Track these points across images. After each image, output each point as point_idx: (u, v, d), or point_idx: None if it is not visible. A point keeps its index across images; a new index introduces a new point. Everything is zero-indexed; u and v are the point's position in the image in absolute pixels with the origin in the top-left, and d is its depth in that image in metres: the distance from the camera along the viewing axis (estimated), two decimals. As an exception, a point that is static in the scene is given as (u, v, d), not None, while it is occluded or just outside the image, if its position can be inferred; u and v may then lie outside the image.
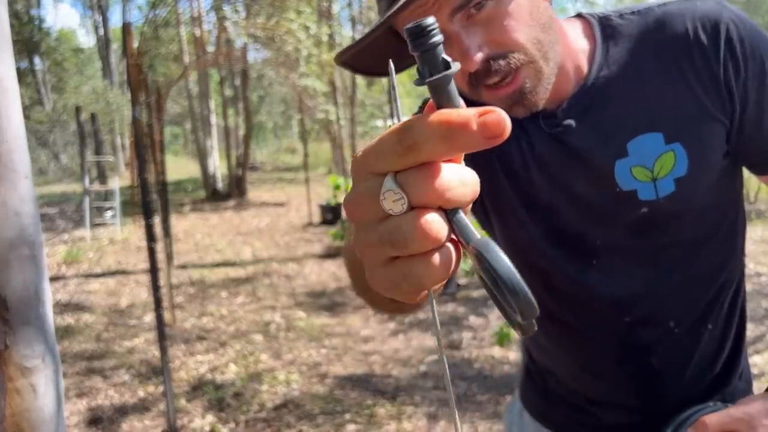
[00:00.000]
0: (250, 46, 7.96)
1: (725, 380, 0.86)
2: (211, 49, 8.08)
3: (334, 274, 5.82)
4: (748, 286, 4.63)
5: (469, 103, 0.73)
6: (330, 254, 6.71)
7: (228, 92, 16.38)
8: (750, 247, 5.94)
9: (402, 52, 0.61)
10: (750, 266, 5.23)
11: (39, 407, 1.75)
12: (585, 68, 0.75)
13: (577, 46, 0.75)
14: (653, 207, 0.75)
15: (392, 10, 0.59)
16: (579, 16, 0.79)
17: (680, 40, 0.71)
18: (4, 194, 1.63)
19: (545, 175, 0.80)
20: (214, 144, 13.19)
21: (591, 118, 0.75)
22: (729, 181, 0.79)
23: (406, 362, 3.54)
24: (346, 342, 3.93)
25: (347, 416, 2.90)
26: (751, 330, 3.77)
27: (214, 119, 13.32)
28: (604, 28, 0.76)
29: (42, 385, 1.75)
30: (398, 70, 0.74)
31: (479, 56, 0.64)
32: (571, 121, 0.76)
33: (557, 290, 0.85)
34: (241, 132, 13.34)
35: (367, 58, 0.69)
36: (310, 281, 5.57)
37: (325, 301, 4.90)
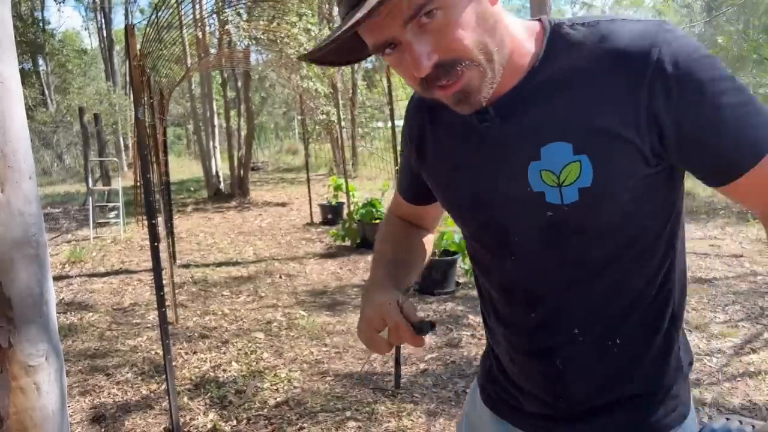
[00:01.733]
0: (252, 48, 7.99)
1: (640, 390, 0.87)
2: (213, 51, 8.13)
3: (335, 273, 5.85)
4: (744, 285, 4.65)
5: (422, 102, 0.93)
6: (331, 254, 6.74)
7: (230, 94, 16.42)
8: (746, 246, 5.95)
9: (360, 46, 0.75)
10: (746, 265, 5.24)
11: (42, 405, 1.78)
12: (524, 71, 0.78)
13: (523, 49, 0.78)
14: (559, 213, 0.78)
15: (352, 22, 0.66)
16: (539, 20, 0.82)
17: (612, 58, 0.73)
18: (9, 194, 1.66)
19: (473, 168, 0.86)
20: (217, 145, 13.23)
21: (515, 119, 0.80)
22: (649, 206, 0.79)
23: (405, 360, 3.56)
24: (347, 340, 3.96)
25: (348, 413, 2.92)
26: (747, 329, 3.78)
27: (216, 120, 13.36)
28: (553, 35, 0.78)
29: (45, 383, 1.78)
30: (356, 61, 0.83)
31: (428, 64, 0.70)
32: (497, 119, 0.81)
33: (490, 275, 0.93)
34: (243, 133, 13.37)
35: (331, 53, 0.76)
36: (312, 280, 5.60)
37: (326, 300, 4.93)
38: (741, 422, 0.93)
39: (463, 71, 0.71)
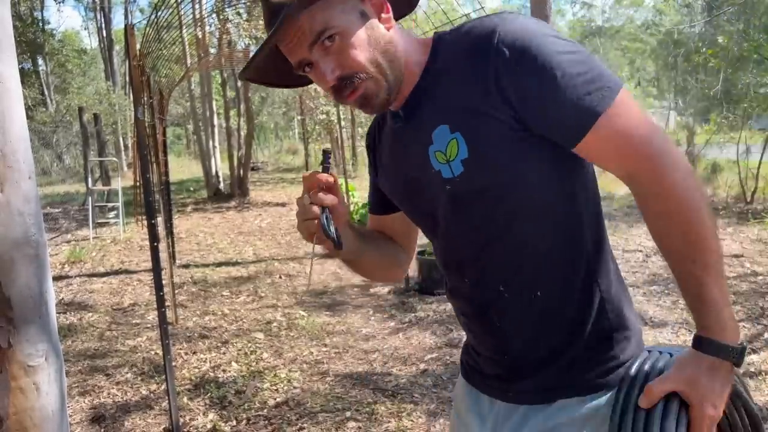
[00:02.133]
0: (251, 48, 7.99)
1: (570, 344, 0.94)
2: (213, 51, 8.12)
3: (334, 273, 5.85)
4: (744, 286, 4.65)
5: (376, 118, 1.14)
6: (330, 254, 6.73)
7: (230, 93, 16.42)
8: (746, 246, 5.95)
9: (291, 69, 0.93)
10: (746, 265, 5.24)
11: (42, 405, 1.78)
12: (418, 76, 0.94)
13: (416, 59, 0.95)
14: (454, 184, 0.92)
15: (263, 43, 0.87)
16: (435, 34, 0.97)
17: (468, 47, 0.88)
18: (8, 194, 1.66)
19: (397, 164, 1.04)
20: (216, 145, 13.23)
21: (416, 115, 0.96)
22: (534, 166, 0.89)
23: (405, 360, 3.56)
24: (347, 340, 3.96)
25: (348, 414, 2.92)
26: (747, 329, 3.78)
27: (216, 120, 13.36)
28: (435, 43, 0.95)
29: (45, 384, 1.77)
30: (298, 85, 1.04)
31: (332, 77, 0.88)
32: (404, 119, 0.98)
33: (436, 255, 1.07)
34: (243, 133, 13.37)
35: (266, 74, 0.98)
36: (312, 280, 5.60)
37: (326, 300, 4.93)
38: (660, 352, 0.95)
39: (360, 82, 0.89)
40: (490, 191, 0.91)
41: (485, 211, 0.93)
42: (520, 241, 0.93)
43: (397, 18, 0.96)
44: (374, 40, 0.89)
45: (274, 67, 0.95)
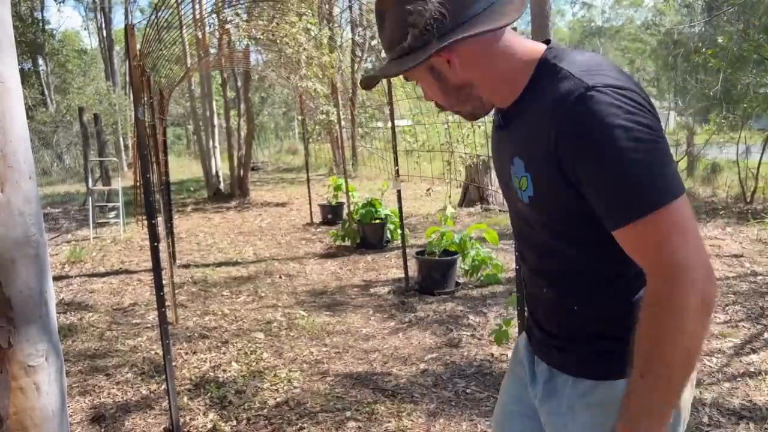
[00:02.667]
0: (251, 48, 7.99)
1: (562, 331, 1.14)
2: (213, 51, 8.12)
3: (335, 273, 5.85)
4: (744, 285, 4.66)
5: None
6: (330, 254, 6.74)
7: (230, 94, 16.42)
8: (746, 247, 5.95)
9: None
10: (746, 265, 5.24)
11: (42, 405, 1.78)
12: (518, 91, 1.04)
13: (517, 77, 1.03)
14: (523, 206, 1.07)
15: (386, 73, 1.11)
16: (547, 42, 1.06)
17: (546, 105, 0.96)
18: (9, 194, 1.66)
19: (496, 149, 1.19)
20: (217, 145, 13.23)
21: (508, 129, 1.09)
22: (573, 214, 1.00)
23: (405, 360, 3.56)
24: (347, 340, 3.96)
25: (348, 414, 2.92)
26: (747, 329, 3.78)
27: (216, 120, 13.36)
28: (539, 66, 1.01)
29: (45, 384, 1.78)
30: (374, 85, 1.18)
31: (430, 100, 1.13)
32: (503, 124, 1.11)
33: (513, 232, 1.26)
34: (243, 133, 13.37)
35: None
36: (312, 280, 5.60)
37: (326, 300, 4.93)
38: None
39: (447, 108, 1.13)
40: (546, 225, 1.07)
41: (541, 236, 1.10)
42: (563, 262, 1.08)
43: (507, 25, 1.00)
44: (444, 86, 1.06)
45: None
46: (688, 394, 1.07)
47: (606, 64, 0.97)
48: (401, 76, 1.10)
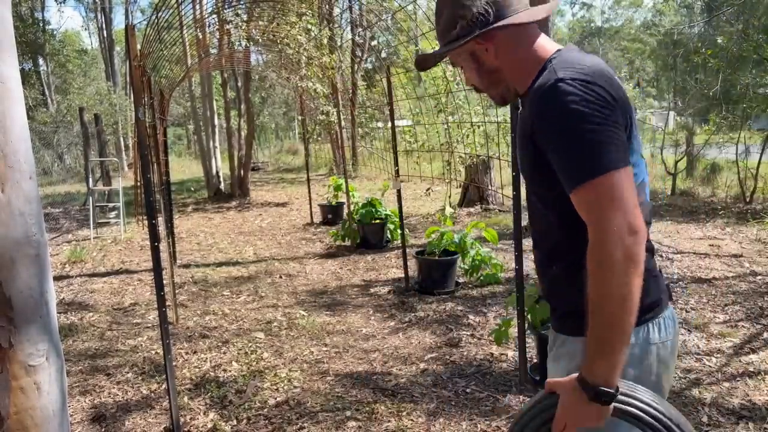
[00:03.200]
0: (252, 49, 7.99)
1: (550, 293, 1.36)
2: (213, 51, 8.11)
3: (335, 273, 5.85)
4: (744, 285, 4.66)
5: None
6: (331, 254, 6.75)
7: (230, 94, 16.43)
8: (745, 246, 5.96)
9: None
10: (745, 265, 5.25)
11: (43, 405, 1.78)
12: (529, 83, 1.24)
13: (531, 70, 1.24)
14: (522, 175, 1.32)
15: (438, 53, 1.33)
16: (550, 55, 1.24)
17: (536, 91, 1.17)
18: (9, 194, 1.66)
19: (517, 134, 1.39)
20: (217, 145, 13.24)
21: (522, 111, 1.33)
22: (548, 191, 1.23)
23: (405, 360, 3.57)
24: (347, 340, 3.96)
25: (348, 413, 2.93)
26: (746, 329, 3.79)
27: (216, 120, 13.36)
28: (545, 65, 1.21)
29: (46, 383, 1.78)
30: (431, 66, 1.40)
31: (469, 85, 1.38)
32: (519, 107, 1.39)
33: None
34: (244, 133, 13.37)
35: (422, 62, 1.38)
36: (312, 280, 5.61)
37: (326, 300, 4.93)
38: None
39: (482, 91, 1.36)
40: (535, 192, 1.29)
41: (535, 204, 1.32)
42: (547, 227, 1.30)
43: (532, 22, 1.24)
44: (480, 70, 1.30)
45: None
46: (654, 360, 1.22)
47: (589, 63, 1.15)
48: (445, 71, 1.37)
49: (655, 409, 1.11)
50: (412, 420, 2.84)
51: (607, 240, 1.04)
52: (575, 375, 1.11)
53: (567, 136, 1.09)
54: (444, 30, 1.28)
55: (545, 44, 1.25)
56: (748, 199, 8.41)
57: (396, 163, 5.04)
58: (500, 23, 1.19)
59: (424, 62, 1.35)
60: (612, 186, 1.05)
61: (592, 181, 1.06)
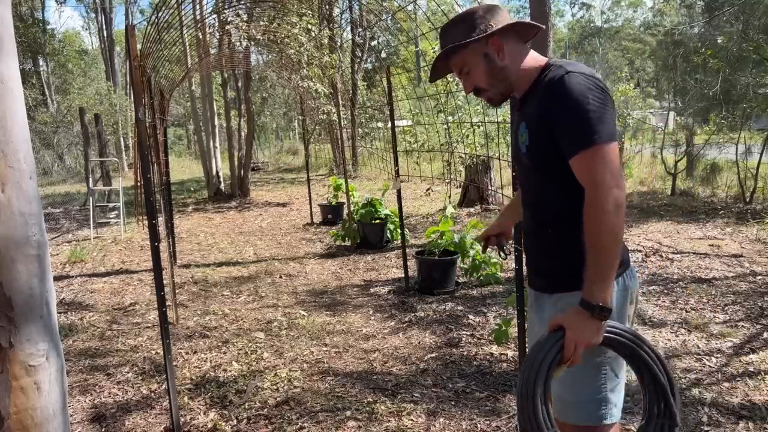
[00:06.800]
0: (252, 49, 8.00)
1: (542, 256, 1.62)
2: (213, 51, 8.11)
3: (335, 273, 5.85)
4: (744, 285, 4.66)
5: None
6: (331, 254, 6.75)
7: (230, 94, 16.43)
8: (745, 246, 5.96)
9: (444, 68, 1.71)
10: (745, 265, 5.25)
11: (43, 405, 1.78)
12: (530, 84, 1.56)
13: (532, 74, 1.56)
14: (524, 157, 1.57)
15: (435, 66, 1.68)
16: (546, 61, 1.58)
17: (547, 85, 1.47)
18: (10, 194, 1.66)
19: (514, 127, 1.69)
20: (217, 145, 13.24)
21: (521, 109, 1.60)
22: (553, 164, 1.48)
23: (405, 360, 3.57)
24: (347, 340, 3.97)
25: (348, 413, 2.93)
26: (746, 329, 3.79)
27: (216, 121, 13.36)
28: (545, 67, 1.53)
29: (46, 383, 1.78)
30: (440, 77, 1.76)
31: (470, 90, 1.63)
32: (519, 105, 1.62)
33: (520, 192, 1.75)
34: (244, 133, 13.37)
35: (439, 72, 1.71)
36: (312, 280, 5.61)
37: (326, 300, 4.93)
38: None
39: (485, 92, 1.61)
40: (536, 164, 1.53)
41: (533, 174, 1.58)
42: (545, 193, 1.56)
43: (527, 40, 1.60)
44: (490, 71, 1.56)
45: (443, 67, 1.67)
46: (636, 286, 1.57)
47: (582, 66, 1.47)
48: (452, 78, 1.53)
49: (626, 331, 1.45)
50: (412, 420, 2.84)
51: (602, 193, 1.35)
52: (576, 306, 1.39)
53: (576, 111, 1.38)
54: (455, 37, 1.56)
55: (537, 56, 1.60)
56: (748, 199, 8.41)
57: (396, 163, 5.04)
58: (511, 23, 1.54)
59: (451, 51, 1.56)
60: (607, 152, 1.37)
61: (593, 146, 1.37)
